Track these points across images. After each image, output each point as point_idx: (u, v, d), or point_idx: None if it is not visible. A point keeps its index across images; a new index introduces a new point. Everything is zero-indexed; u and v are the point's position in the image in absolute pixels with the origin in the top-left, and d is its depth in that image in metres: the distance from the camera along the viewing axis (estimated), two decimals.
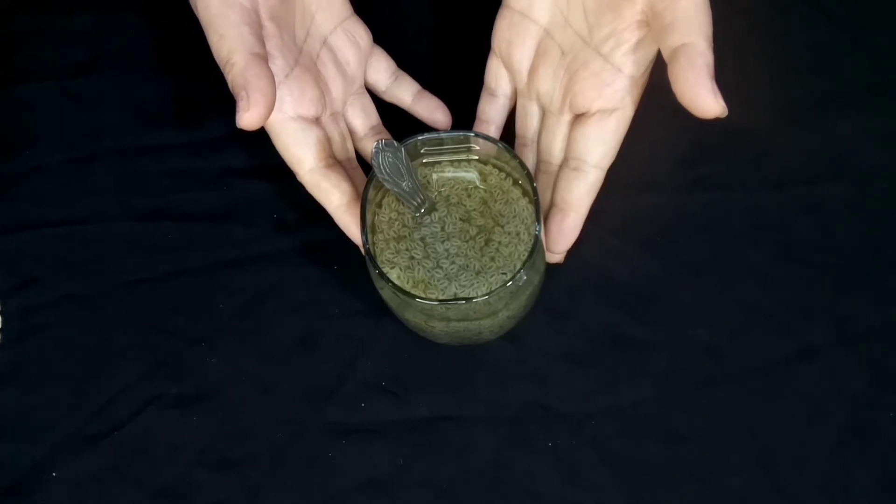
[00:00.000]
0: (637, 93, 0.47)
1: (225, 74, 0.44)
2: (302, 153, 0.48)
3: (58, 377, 0.51)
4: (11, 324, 0.52)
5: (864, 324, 0.51)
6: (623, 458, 0.49)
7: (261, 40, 0.45)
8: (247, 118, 0.43)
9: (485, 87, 0.53)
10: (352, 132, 0.52)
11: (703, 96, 0.42)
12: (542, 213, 0.48)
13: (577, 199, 0.48)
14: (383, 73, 0.53)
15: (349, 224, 0.49)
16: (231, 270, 0.53)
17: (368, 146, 0.52)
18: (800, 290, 0.52)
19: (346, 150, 0.51)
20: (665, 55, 0.43)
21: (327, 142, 0.49)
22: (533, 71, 0.50)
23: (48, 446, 0.50)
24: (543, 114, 0.50)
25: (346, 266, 0.53)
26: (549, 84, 0.49)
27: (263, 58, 0.44)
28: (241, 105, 0.43)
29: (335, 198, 0.48)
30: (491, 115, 0.52)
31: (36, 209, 0.55)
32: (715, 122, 0.55)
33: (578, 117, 0.48)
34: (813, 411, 0.49)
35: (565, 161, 0.49)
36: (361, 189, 0.48)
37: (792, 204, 0.53)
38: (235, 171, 0.56)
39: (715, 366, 0.50)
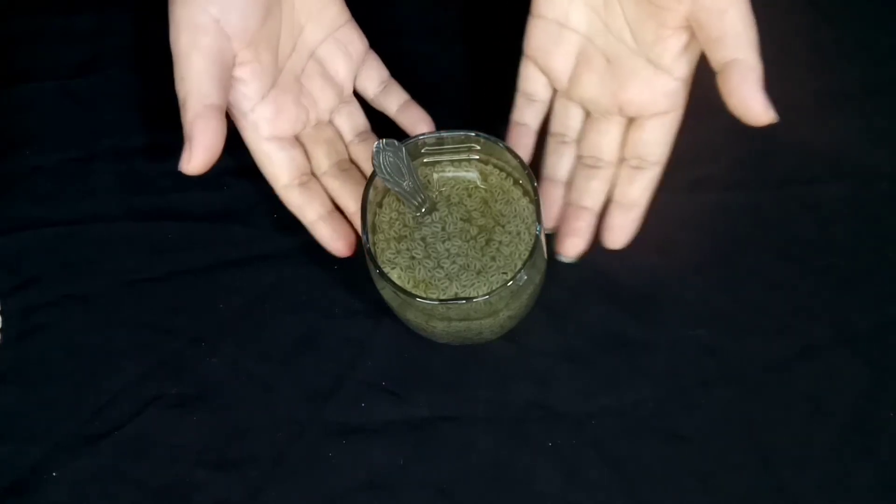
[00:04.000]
0: (687, 90, 0.48)
1: (181, 114, 0.46)
2: (275, 172, 0.50)
3: (58, 377, 0.51)
4: (12, 324, 0.52)
5: (864, 324, 0.51)
6: (623, 458, 0.49)
7: (222, 86, 0.46)
8: (186, 168, 0.45)
9: (520, 92, 0.52)
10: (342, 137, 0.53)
11: (756, 109, 0.44)
12: (550, 211, 0.49)
13: (639, 195, 0.49)
14: (373, 80, 0.53)
15: (323, 238, 0.50)
16: (231, 270, 0.53)
17: (356, 151, 0.52)
18: (800, 290, 0.52)
19: (336, 153, 0.52)
20: (714, 66, 0.45)
21: (304, 159, 0.51)
22: (576, 77, 0.50)
23: (48, 446, 0.50)
24: (587, 115, 0.51)
25: (346, 266, 0.53)
26: (595, 90, 0.50)
27: (218, 108, 0.45)
28: (185, 154, 0.45)
29: (308, 214, 0.50)
30: (528, 118, 0.52)
31: (36, 209, 0.55)
32: (714, 123, 0.55)
33: (635, 120, 0.49)
34: (813, 411, 0.49)
35: (625, 160, 0.50)
36: (358, 192, 0.48)
37: (792, 204, 0.53)
38: (235, 171, 0.56)
39: (715, 366, 0.50)
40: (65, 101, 0.57)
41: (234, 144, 0.56)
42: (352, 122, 0.53)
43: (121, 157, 0.56)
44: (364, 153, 0.52)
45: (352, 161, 0.53)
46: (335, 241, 0.50)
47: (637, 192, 0.49)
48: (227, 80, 0.46)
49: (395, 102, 0.53)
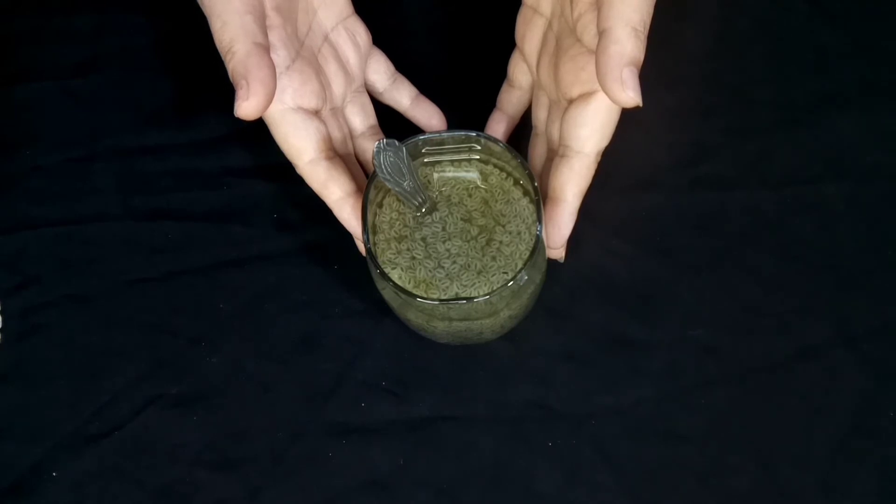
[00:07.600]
0: None
1: (225, 63, 0.44)
2: (302, 144, 0.47)
3: (58, 377, 0.51)
4: (12, 324, 0.52)
5: (864, 324, 0.51)
6: (623, 458, 0.49)
7: (264, 30, 0.45)
8: (245, 107, 0.43)
9: (507, 78, 0.53)
10: (350, 130, 0.52)
11: (609, 86, 0.42)
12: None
13: (562, 188, 0.47)
14: (382, 74, 0.53)
15: (349, 218, 0.48)
16: (231, 270, 0.53)
17: (365, 145, 0.52)
18: (800, 290, 0.52)
19: (346, 147, 0.51)
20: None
21: (328, 134, 0.49)
22: (539, 62, 0.50)
23: (48, 446, 0.50)
24: (550, 103, 0.51)
25: (346, 266, 0.53)
26: (546, 74, 0.49)
27: (265, 48, 0.44)
28: (241, 94, 0.43)
29: (335, 190, 0.48)
30: (507, 105, 0.53)
31: (36, 209, 0.55)
32: (714, 123, 0.55)
33: (568, 104, 0.48)
34: (813, 411, 0.49)
35: (557, 148, 0.49)
36: (362, 186, 0.48)
37: (792, 204, 0.53)
38: (235, 171, 0.56)
39: (715, 366, 0.50)
40: (65, 101, 0.57)
41: (235, 145, 0.56)
42: (364, 113, 0.52)
43: (121, 157, 0.56)
44: (371, 148, 0.51)
45: (356, 156, 0.52)
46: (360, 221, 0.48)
47: (560, 185, 0.47)
48: (265, 31, 0.45)
49: (408, 96, 0.53)
